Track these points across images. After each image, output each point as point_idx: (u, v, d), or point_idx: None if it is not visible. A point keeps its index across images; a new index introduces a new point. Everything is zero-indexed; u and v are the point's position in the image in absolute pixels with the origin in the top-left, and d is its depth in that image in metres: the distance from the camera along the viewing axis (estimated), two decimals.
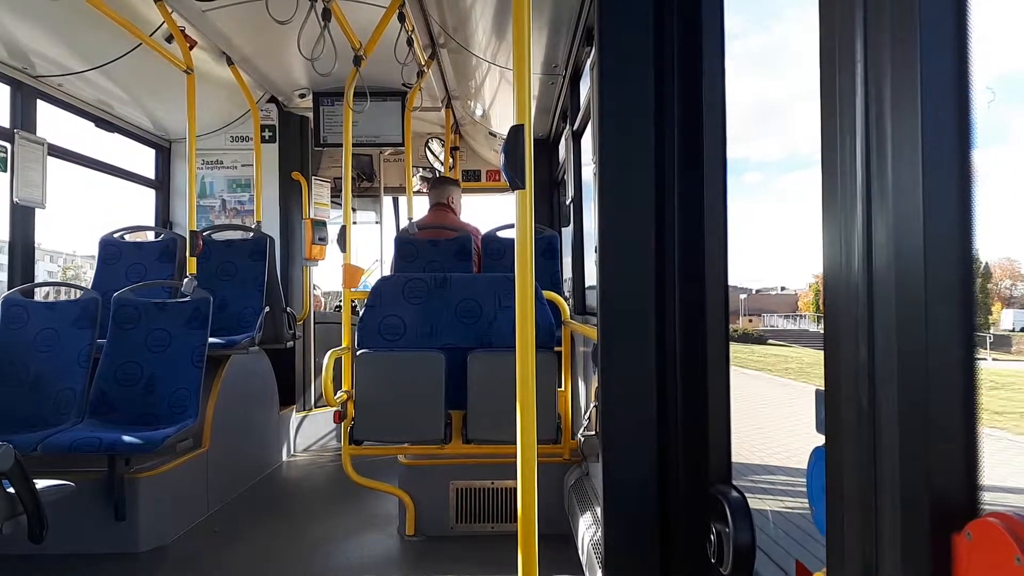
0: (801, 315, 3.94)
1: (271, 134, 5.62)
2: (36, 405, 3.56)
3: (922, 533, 0.79)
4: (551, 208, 6.25)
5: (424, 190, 6.90)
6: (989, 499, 0.78)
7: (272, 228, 5.49)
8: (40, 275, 4.59)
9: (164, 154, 5.72)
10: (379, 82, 5.04)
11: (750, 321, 4.05)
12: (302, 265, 5.79)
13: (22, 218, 4.23)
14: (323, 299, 7.30)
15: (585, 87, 3.82)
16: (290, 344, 5.36)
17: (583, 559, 2.66)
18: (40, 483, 2.44)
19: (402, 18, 3.98)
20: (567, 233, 5.21)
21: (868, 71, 0.88)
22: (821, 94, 0.97)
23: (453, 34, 4.26)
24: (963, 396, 0.79)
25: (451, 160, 6.45)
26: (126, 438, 3.21)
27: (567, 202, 4.69)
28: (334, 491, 4.45)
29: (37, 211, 4.30)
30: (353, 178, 5.81)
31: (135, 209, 7.17)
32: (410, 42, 4.28)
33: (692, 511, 1.71)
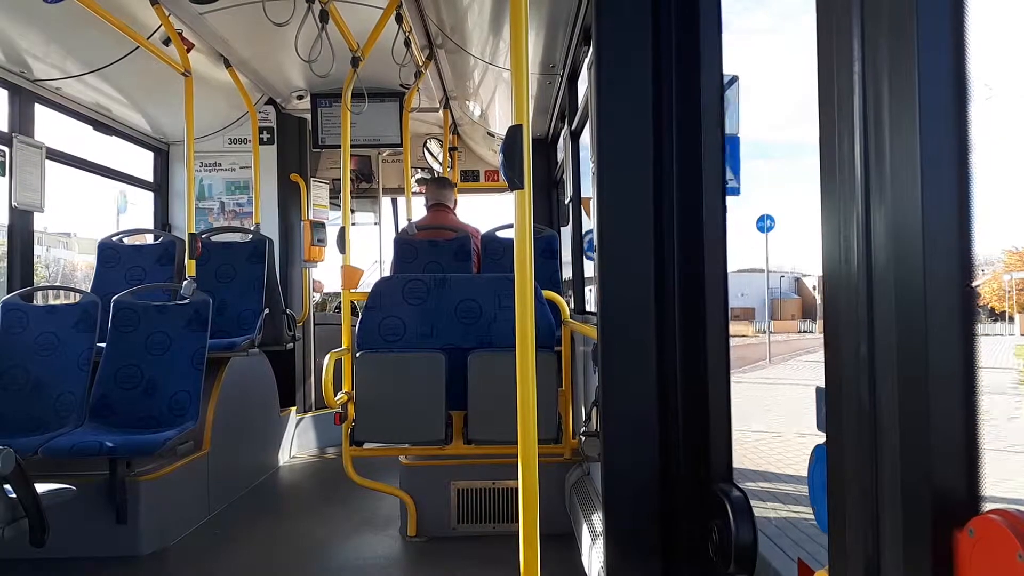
0: None
1: (269, 136, 5.62)
2: (36, 409, 3.56)
3: (924, 530, 0.79)
4: (550, 208, 6.25)
5: (422, 191, 6.90)
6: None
7: (271, 230, 5.48)
8: None
9: (162, 157, 5.72)
10: (377, 83, 5.04)
11: None
12: (301, 267, 5.79)
13: (21, 221, 4.23)
14: (322, 298, 7.27)
15: (583, 87, 3.82)
16: (290, 346, 5.36)
17: (585, 558, 2.66)
18: (41, 487, 2.43)
19: (399, 19, 3.97)
20: (566, 233, 5.21)
21: (866, 69, 0.89)
22: (819, 92, 0.98)
23: (451, 35, 4.26)
24: (964, 392, 0.79)
25: (449, 160, 6.45)
26: (127, 441, 3.21)
27: (566, 202, 4.69)
28: (335, 492, 4.45)
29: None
30: (352, 179, 5.80)
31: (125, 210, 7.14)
32: (407, 43, 4.27)
33: (693, 509, 1.71)
